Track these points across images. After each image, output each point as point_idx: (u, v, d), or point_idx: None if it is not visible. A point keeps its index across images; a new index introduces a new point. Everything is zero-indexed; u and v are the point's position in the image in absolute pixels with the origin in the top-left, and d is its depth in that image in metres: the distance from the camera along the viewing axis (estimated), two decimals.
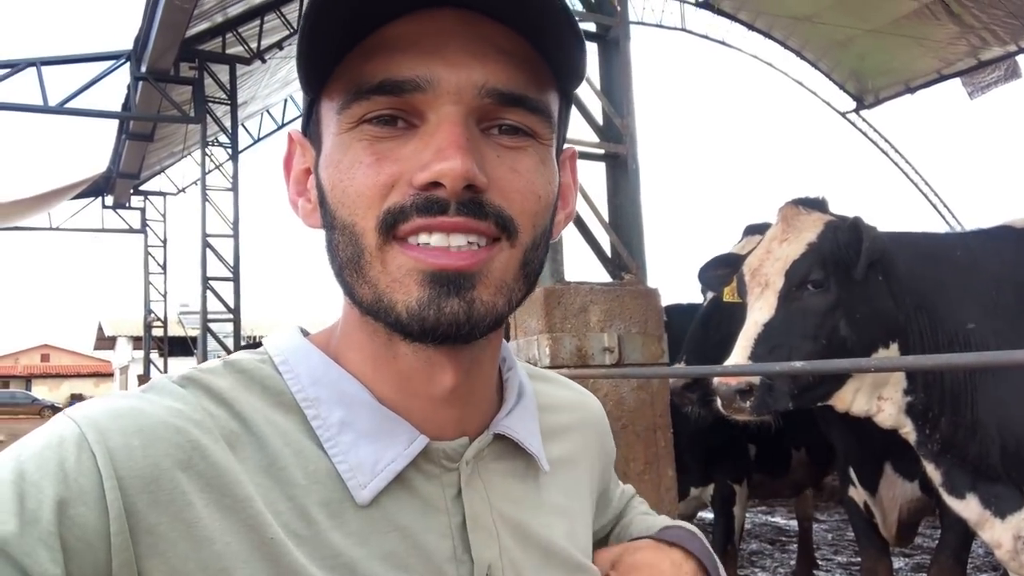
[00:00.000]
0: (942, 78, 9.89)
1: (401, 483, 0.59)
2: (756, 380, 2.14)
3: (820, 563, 5.21)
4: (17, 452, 0.50)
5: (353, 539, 0.56)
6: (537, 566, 0.64)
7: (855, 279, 2.21)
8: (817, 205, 2.41)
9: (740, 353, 2.20)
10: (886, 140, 11.28)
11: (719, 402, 2.23)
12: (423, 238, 0.54)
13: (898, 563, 4.94)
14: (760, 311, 2.26)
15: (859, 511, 3.23)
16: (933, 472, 2.27)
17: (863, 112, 10.85)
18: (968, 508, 2.22)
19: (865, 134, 11.19)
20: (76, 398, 42.09)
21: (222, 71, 10.65)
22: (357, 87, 0.54)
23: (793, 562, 5.19)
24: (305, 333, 0.66)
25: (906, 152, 11.39)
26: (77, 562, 0.47)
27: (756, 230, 3.14)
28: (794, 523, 5.85)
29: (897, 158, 11.36)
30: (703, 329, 2.94)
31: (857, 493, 3.20)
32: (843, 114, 10.95)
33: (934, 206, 11.36)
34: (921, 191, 11.38)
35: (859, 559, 3.70)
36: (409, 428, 0.59)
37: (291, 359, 0.61)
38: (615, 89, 3.08)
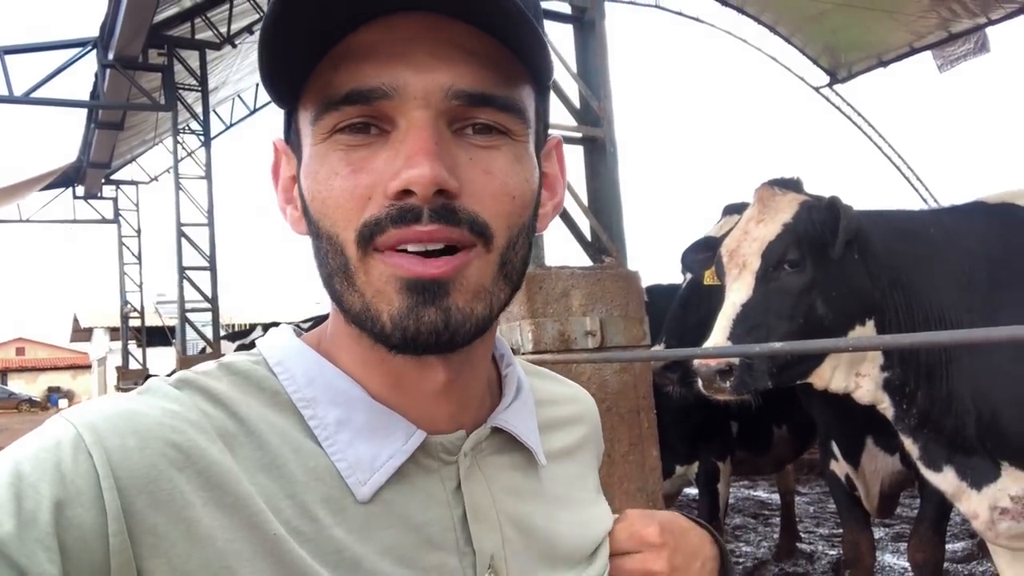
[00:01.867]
0: (913, 51, 9.94)
1: (401, 478, 0.59)
2: (736, 360, 2.16)
3: (803, 535, 5.31)
4: (14, 454, 0.50)
5: (356, 535, 0.56)
6: (540, 557, 0.65)
7: (831, 258, 2.23)
8: (792, 185, 2.43)
9: (719, 334, 2.22)
10: (859, 114, 11.34)
11: (699, 383, 2.25)
12: (400, 247, 0.54)
13: (879, 533, 5.04)
14: (738, 292, 2.28)
15: (841, 484, 3.29)
16: (911, 446, 2.32)
17: (836, 87, 10.89)
18: (945, 480, 2.27)
19: (839, 108, 11.25)
20: (54, 391, 41.63)
21: (192, 57, 10.47)
22: (327, 98, 0.54)
23: (776, 535, 5.29)
24: (299, 333, 0.66)
25: (879, 126, 11.48)
26: (75, 563, 0.47)
27: (735, 210, 3.15)
28: (776, 497, 5.95)
29: (871, 132, 11.45)
30: (682, 311, 2.97)
31: (839, 466, 3.26)
32: (816, 89, 10.99)
33: (907, 179, 11.47)
34: (895, 164, 11.48)
35: (841, 531, 3.78)
36: (406, 424, 0.60)
37: (286, 360, 0.62)
38: (591, 72, 3.07)
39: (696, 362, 2.26)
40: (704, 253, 2.76)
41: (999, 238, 2.34)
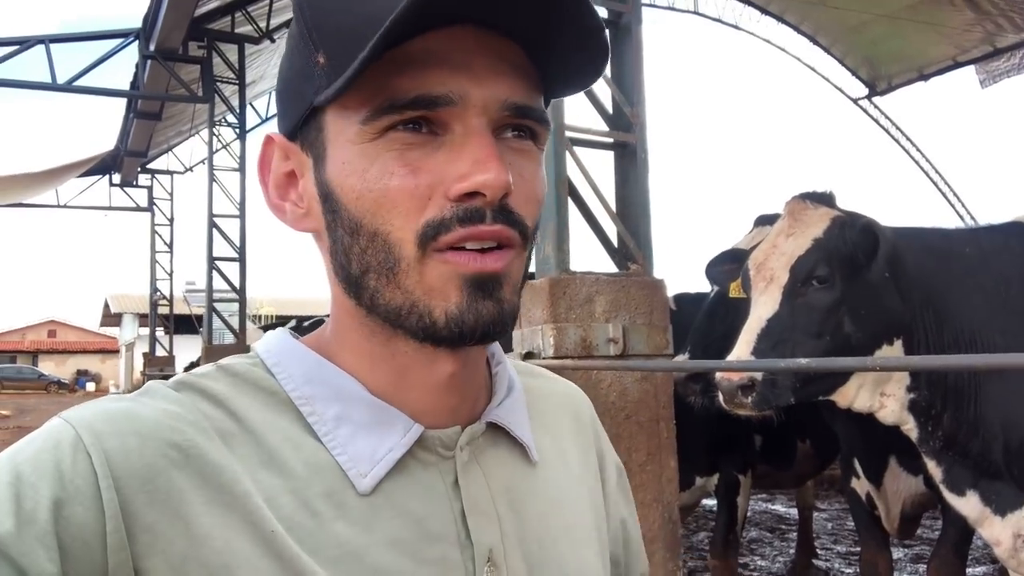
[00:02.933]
0: (956, 65, 9.78)
1: (401, 471, 0.60)
2: (758, 376, 2.14)
3: (819, 552, 5.24)
4: (13, 455, 0.52)
5: (358, 527, 0.57)
6: (539, 551, 0.65)
7: (861, 276, 2.20)
8: (824, 199, 2.39)
9: (743, 348, 2.20)
10: (897, 127, 11.18)
11: (721, 397, 2.23)
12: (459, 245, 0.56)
13: (897, 553, 4.96)
14: (764, 306, 2.25)
15: (861, 502, 3.24)
16: (934, 469, 2.27)
17: (875, 99, 10.75)
18: (968, 505, 2.22)
19: (876, 121, 11.10)
20: (82, 374, 42.44)
21: (231, 50, 10.61)
22: (389, 101, 0.55)
23: (792, 550, 5.22)
24: (295, 337, 0.67)
25: (917, 140, 11.31)
26: (74, 561, 0.48)
27: (767, 220, 3.12)
28: (794, 511, 5.87)
29: (908, 146, 11.28)
30: (708, 322, 2.94)
31: (860, 484, 3.21)
32: (855, 100, 10.85)
33: (944, 195, 11.28)
34: (931, 179, 11.30)
35: (858, 549, 3.72)
36: (404, 418, 0.61)
37: (283, 360, 0.63)
38: (626, 77, 3.05)
39: (718, 376, 2.24)
40: (729, 265, 2.73)
41: None
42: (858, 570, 4.29)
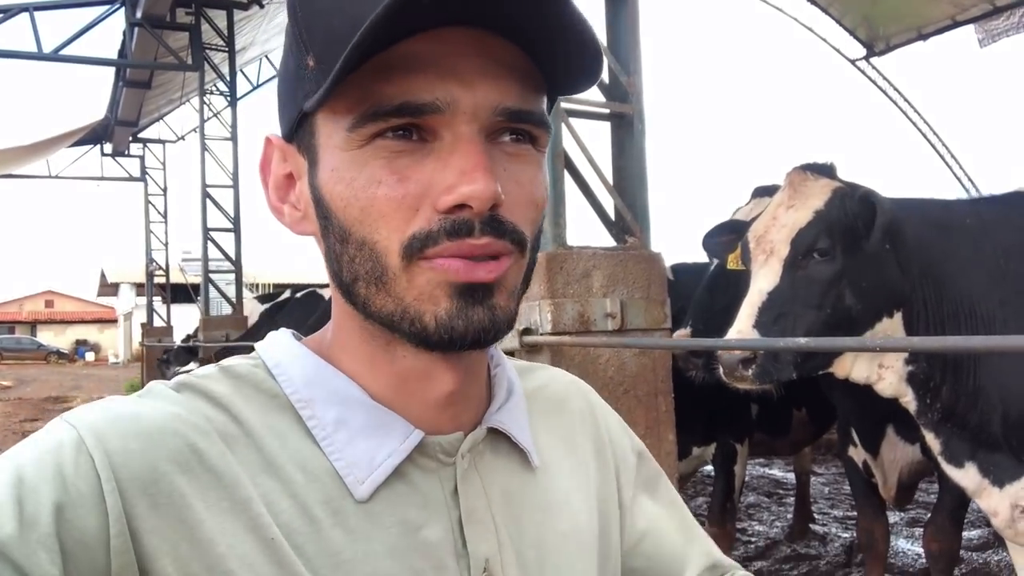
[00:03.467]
0: (955, 24, 9.63)
1: (399, 478, 0.59)
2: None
3: (816, 517, 5.30)
4: (15, 457, 0.51)
5: (355, 535, 0.56)
6: (536, 560, 0.64)
7: (862, 248, 2.18)
8: (825, 171, 2.36)
9: (744, 322, 2.18)
10: (896, 89, 11.05)
11: (721, 370, 2.23)
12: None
13: (894, 518, 5.02)
14: (764, 279, 2.23)
15: (858, 469, 3.27)
16: (932, 441, 2.28)
17: (873, 60, 10.61)
18: (967, 477, 2.23)
19: (874, 82, 10.97)
20: (81, 344, 42.53)
21: (219, 17, 10.42)
22: (374, 108, 0.53)
23: (790, 515, 5.29)
24: (298, 338, 0.66)
25: (916, 102, 11.19)
26: (76, 564, 0.48)
27: (765, 192, 3.09)
28: (791, 476, 5.94)
29: (907, 108, 11.16)
30: (709, 295, 2.93)
31: (857, 452, 3.23)
32: (853, 62, 10.71)
33: (942, 157, 11.20)
34: (930, 141, 11.21)
35: (855, 514, 3.76)
36: (404, 423, 0.60)
37: (284, 362, 0.62)
38: (622, 45, 2.99)
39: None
40: (727, 236, 2.70)
41: None
42: (855, 535, 4.35)
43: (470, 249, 0.54)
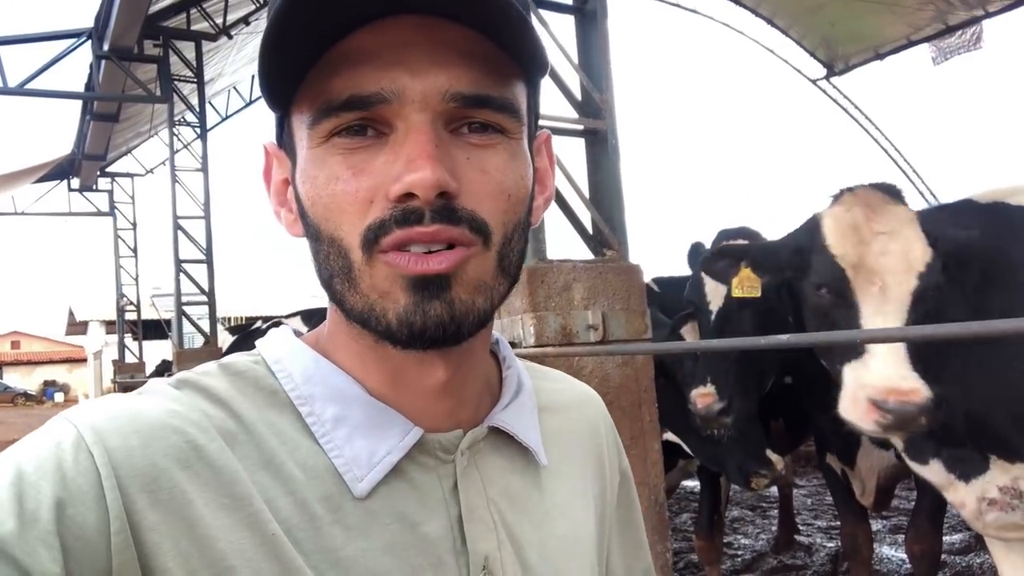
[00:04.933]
0: (910, 44, 9.92)
1: (398, 475, 0.59)
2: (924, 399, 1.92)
3: (801, 528, 5.33)
4: (15, 455, 0.51)
5: (354, 532, 0.56)
6: (536, 560, 0.64)
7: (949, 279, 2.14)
8: (896, 194, 2.29)
9: (903, 368, 1.97)
10: (856, 107, 11.32)
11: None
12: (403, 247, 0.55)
13: (876, 525, 5.07)
14: (892, 315, 2.08)
15: (837, 477, 3.31)
16: (897, 441, 2.32)
17: (833, 79, 10.87)
18: (933, 472, 2.28)
19: (835, 101, 11.23)
20: (49, 385, 41.51)
21: (188, 48, 10.39)
22: (326, 104, 0.54)
23: (774, 528, 5.31)
24: (298, 335, 0.66)
25: (875, 118, 11.47)
26: (77, 561, 0.47)
27: (729, 235, 3.12)
28: (774, 489, 5.96)
29: (867, 124, 11.43)
30: (720, 336, 2.89)
31: (835, 460, 3.27)
32: (814, 81, 10.97)
33: (903, 171, 11.45)
34: (891, 156, 11.47)
35: (838, 523, 3.79)
36: (403, 420, 0.60)
37: (284, 359, 0.62)
38: (593, 63, 3.05)
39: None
40: (723, 261, 2.62)
41: (989, 237, 2.30)
42: (839, 544, 4.37)
43: (419, 236, 0.53)
